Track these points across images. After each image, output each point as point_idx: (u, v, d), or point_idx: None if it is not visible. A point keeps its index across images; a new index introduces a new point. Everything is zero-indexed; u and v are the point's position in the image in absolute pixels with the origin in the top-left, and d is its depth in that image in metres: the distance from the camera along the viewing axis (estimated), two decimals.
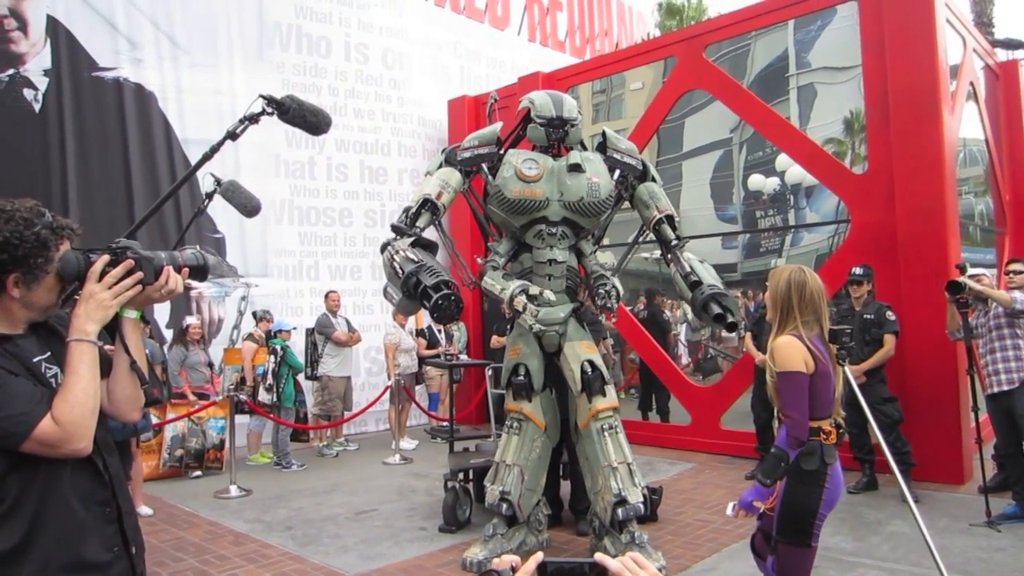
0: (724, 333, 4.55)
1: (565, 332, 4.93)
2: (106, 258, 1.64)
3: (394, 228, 4.72)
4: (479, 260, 5.21)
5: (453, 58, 11.74)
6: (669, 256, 4.99)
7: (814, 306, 2.95)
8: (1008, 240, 9.13)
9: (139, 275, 1.65)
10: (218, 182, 3.40)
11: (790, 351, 2.87)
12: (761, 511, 3.00)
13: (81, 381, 1.56)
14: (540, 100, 5.03)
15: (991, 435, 5.64)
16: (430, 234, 4.82)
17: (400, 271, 4.24)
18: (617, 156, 5.13)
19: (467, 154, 5.06)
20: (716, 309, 4.50)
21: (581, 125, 5.11)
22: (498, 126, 5.28)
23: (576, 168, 4.87)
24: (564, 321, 4.93)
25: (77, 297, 1.65)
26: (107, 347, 1.73)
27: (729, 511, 2.97)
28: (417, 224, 4.73)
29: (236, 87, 9.06)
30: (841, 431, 3.00)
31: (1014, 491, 5.31)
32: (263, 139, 8.98)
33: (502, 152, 5.11)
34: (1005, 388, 5.05)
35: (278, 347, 7.93)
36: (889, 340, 5.98)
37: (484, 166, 5.06)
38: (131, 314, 1.71)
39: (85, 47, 8.35)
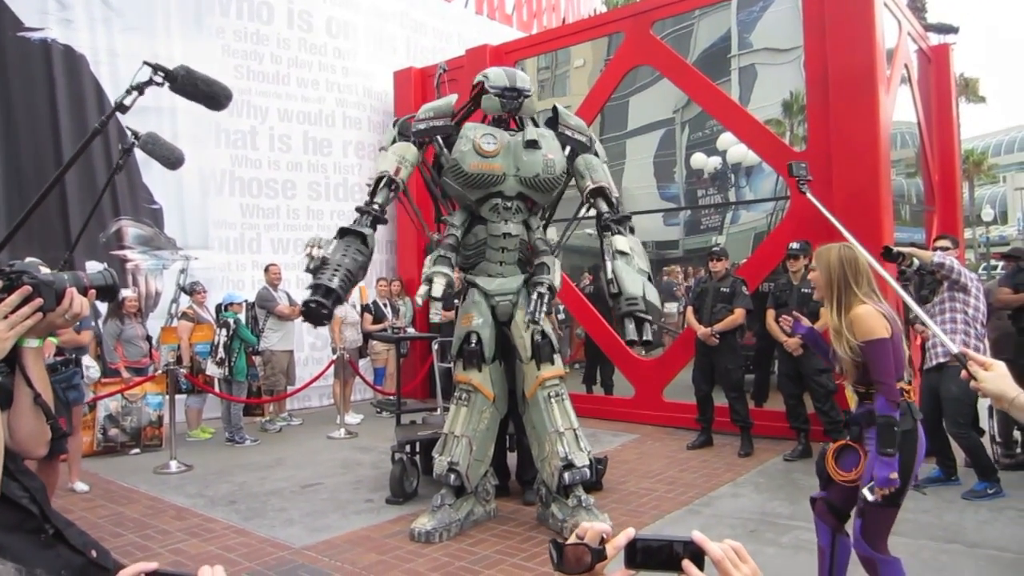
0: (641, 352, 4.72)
1: (517, 302, 4.99)
2: None
3: (357, 209, 4.72)
4: (434, 237, 5.22)
5: (399, 29, 11.53)
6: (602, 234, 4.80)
7: (868, 277, 3.00)
8: (936, 218, 9.52)
9: (38, 302, 1.48)
10: (135, 135, 3.17)
11: (873, 320, 2.91)
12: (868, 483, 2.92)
13: None
14: (493, 73, 5.13)
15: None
16: (391, 209, 4.82)
17: (311, 262, 4.30)
18: (568, 133, 5.20)
19: (422, 126, 5.06)
20: (631, 331, 4.32)
21: (534, 97, 5.14)
22: (452, 98, 5.25)
23: (533, 144, 4.91)
24: (517, 291, 5.01)
25: None
26: None
27: (870, 496, 2.86)
28: (376, 201, 4.69)
29: (173, 53, 8.66)
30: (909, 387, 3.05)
31: (937, 458, 5.61)
32: (203, 107, 8.67)
33: (454, 125, 5.11)
34: (941, 360, 5.27)
35: (230, 320, 7.73)
36: (825, 313, 6.17)
37: (439, 139, 5.05)
38: (32, 343, 1.57)
39: (8, 5, 7.90)
